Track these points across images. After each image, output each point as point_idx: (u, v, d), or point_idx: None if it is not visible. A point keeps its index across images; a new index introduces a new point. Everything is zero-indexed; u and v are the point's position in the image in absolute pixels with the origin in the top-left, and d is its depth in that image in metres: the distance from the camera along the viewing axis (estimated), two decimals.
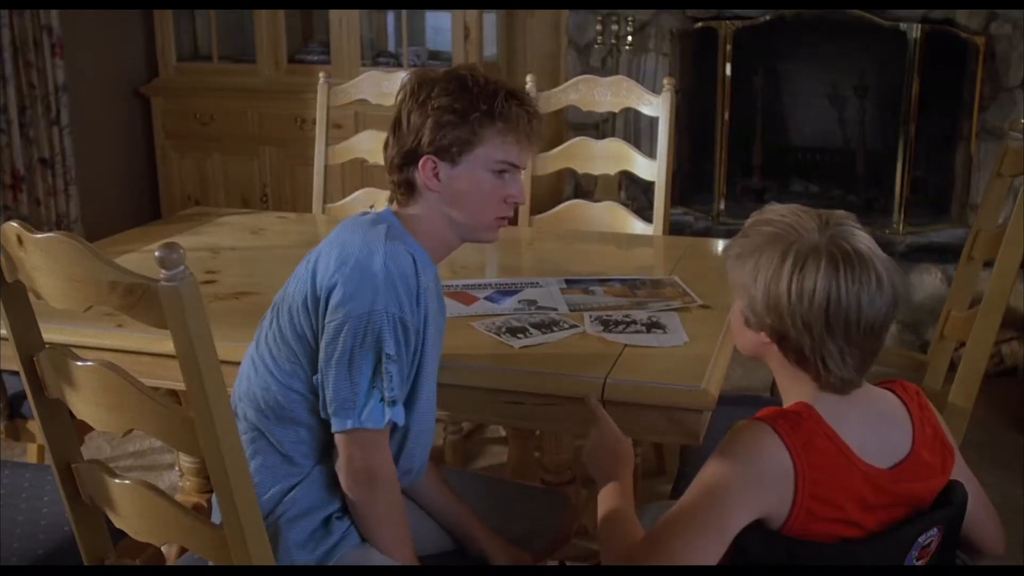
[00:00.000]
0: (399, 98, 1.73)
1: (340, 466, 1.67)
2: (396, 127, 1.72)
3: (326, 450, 1.71)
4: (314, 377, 1.65)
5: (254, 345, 1.76)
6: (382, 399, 1.61)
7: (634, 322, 2.06)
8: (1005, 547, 1.55)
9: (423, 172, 1.69)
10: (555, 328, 2.02)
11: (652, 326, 2.03)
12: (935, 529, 1.40)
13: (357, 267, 1.61)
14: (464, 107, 1.66)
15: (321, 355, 1.63)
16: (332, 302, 1.61)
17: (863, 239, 1.38)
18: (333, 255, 1.65)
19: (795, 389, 1.43)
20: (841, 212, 1.43)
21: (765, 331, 1.41)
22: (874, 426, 1.40)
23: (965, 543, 1.51)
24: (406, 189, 1.73)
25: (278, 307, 1.73)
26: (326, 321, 1.61)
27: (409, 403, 1.71)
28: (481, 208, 1.73)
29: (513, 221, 1.86)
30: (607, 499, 1.57)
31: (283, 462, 1.70)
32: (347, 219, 1.76)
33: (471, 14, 4.44)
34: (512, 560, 1.87)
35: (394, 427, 1.69)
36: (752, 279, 1.40)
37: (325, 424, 1.67)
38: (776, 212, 1.43)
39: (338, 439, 1.65)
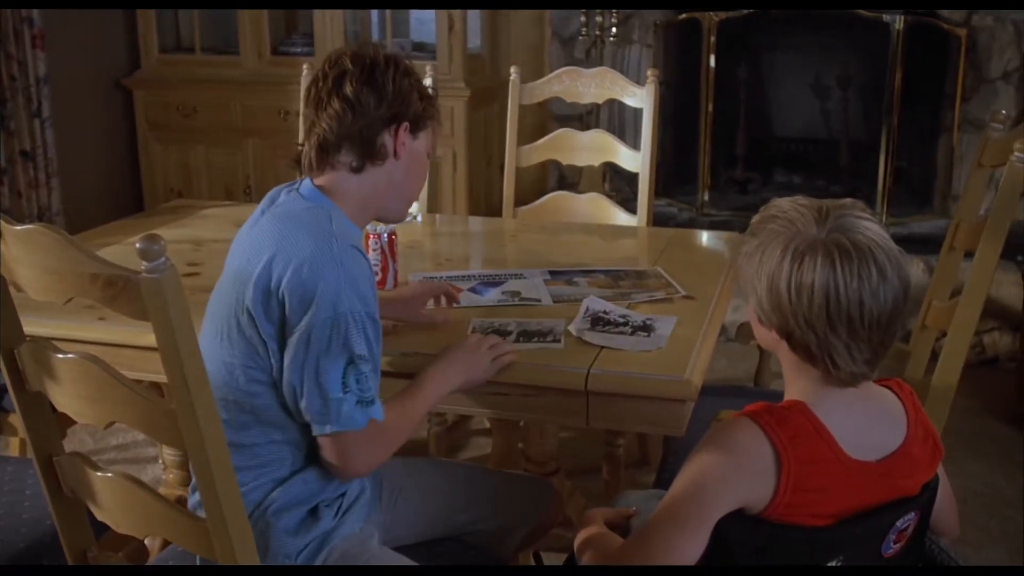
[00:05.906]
0: (365, 70, 1.68)
1: (334, 468, 1.63)
2: (376, 91, 1.67)
3: (298, 448, 1.68)
4: (283, 381, 1.61)
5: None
6: (358, 401, 1.58)
7: (625, 324, 1.99)
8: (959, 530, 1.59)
9: (398, 137, 1.69)
10: (540, 340, 1.93)
11: (638, 328, 1.97)
12: (912, 513, 1.41)
13: (312, 272, 1.57)
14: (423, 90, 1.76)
15: (289, 363, 1.58)
16: (291, 307, 1.57)
17: (865, 229, 1.34)
18: (282, 259, 1.59)
19: (800, 382, 1.41)
20: (846, 201, 1.38)
21: (774, 329, 1.39)
22: (870, 421, 1.40)
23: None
24: (362, 159, 1.69)
25: (220, 314, 1.67)
26: (290, 328, 1.57)
27: None
28: (416, 186, 1.78)
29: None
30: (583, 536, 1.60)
31: (257, 465, 1.67)
32: (282, 211, 1.69)
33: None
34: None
35: None
36: (758, 278, 1.37)
37: (292, 424, 1.65)
38: (779, 207, 1.40)
39: (323, 442, 1.61)
